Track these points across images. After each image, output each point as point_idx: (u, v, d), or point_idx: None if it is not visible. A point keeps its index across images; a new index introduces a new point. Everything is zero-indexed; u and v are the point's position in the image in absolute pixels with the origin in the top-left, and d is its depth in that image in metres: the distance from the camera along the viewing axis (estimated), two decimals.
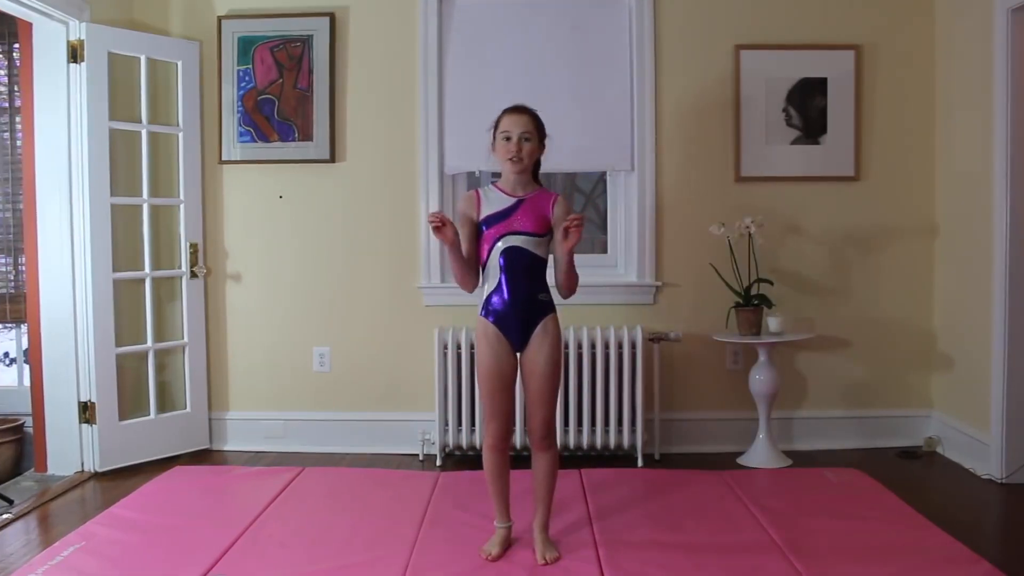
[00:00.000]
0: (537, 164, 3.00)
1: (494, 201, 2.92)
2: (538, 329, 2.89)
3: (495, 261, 2.89)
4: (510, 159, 2.88)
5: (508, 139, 2.89)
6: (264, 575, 2.82)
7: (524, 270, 2.88)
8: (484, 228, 2.91)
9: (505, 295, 2.88)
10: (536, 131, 2.92)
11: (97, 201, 3.98)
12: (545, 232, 2.90)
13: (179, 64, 4.25)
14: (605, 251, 4.49)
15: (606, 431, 4.14)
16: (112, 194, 4.04)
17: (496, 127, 2.94)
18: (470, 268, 2.93)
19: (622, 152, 4.30)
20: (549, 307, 2.93)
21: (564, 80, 4.30)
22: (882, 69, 4.30)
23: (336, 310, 4.40)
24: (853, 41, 4.28)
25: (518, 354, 2.94)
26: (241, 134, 4.34)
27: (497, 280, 2.89)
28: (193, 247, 4.32)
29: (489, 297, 2.91)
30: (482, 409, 3.17)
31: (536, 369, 2.89)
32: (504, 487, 2.99)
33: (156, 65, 4.22)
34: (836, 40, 4.28)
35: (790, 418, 4.36)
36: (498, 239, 2.88)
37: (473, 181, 4.45)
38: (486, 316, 2.92)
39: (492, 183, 3.02)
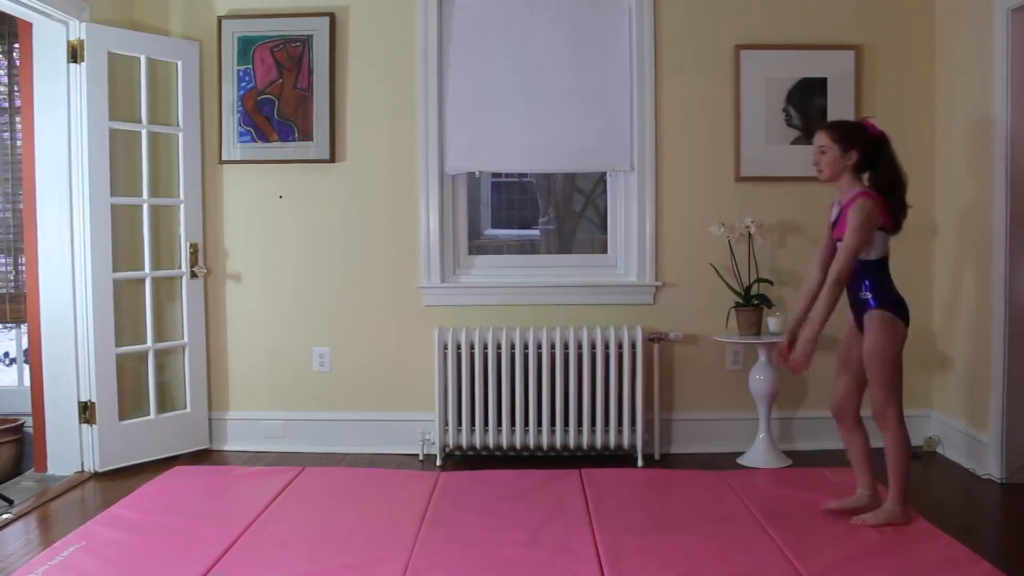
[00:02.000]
0: (862, 168, 3.16)
1: (836, 211, 3.22)
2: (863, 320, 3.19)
3: None
4: (817, 171, 3.19)
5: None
6: (264, 575, 2.82)
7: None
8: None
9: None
10: (833, 141, 3.12)
11: (97, 201, 3.98)
12: (840, 237, 3.14)
13: (179, 64, 4.24)
14: (605, 251, 4.49)
15: (606, 431, 4.14)
16: (112, 194, 4.04)
17: None
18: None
19: (622, 152, 4.30)
20: (869, 304, 3.16)
21: (564, 80, 4.29)
22: (882, 69, 4.30)
23: (336, 310, 4.40)
24: (853, 41, 4.28)
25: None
26: (241, 134, 4.34)
27: None
28: (193, 247, 4.32)
29: None
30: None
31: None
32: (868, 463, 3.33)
33: (156, 65, 4.22)
34: (836, 40, 4.28)
35: (790, 418, 4.36)
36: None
37: (473, 181, 4.46)
38: None
39: None
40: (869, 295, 3.15)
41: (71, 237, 3.97)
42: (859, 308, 3.19)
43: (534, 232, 4.85)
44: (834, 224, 3.21)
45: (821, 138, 3.16)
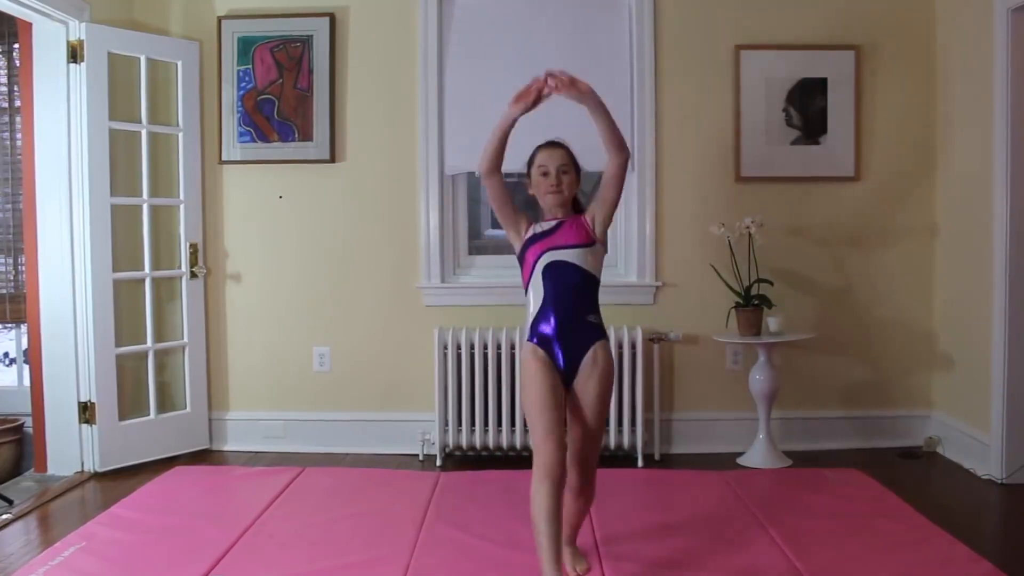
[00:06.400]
0: (576, 199, 2.87)
1: (542, 225, 2.80)
2: (587, 357, 2.65)
3: (538, 282, 2.70)
4: (551, 192, 2.77)
5: (546, 174, 2.79)
6: (264, 575, 2.82)
7: (570, 288, 2.68)
8: (529, 246, 2.76)
9: (551, 320, 2.66)
10: (572, 163, 2.83)
11: (97, 201, 3.98)
12: (589, 241, 2.73)
13: (179, 64, 4.25)
14: (605, 251, 4.48)
15: (606, 431, 4.14)
16: (112, 194, 4.04)
17: (531, 164, 2.84)
18: (501, 151, 2.82)
19: None
20: (599, 332, 2.69)
21: None
22: (882, 69, 4.30)
23: (336, 310, 4.40)
24: (853, 41, 4.28)
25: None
26: (241, 134, 4.34)
27: (541, 302, 2.69)
28: (193, 247, 4.32)
29: (535, 324, 2.70)
30: (531, 435, 2.67)
31: (583, 403, 2.65)
32: (558, 530, 2.50)
33: (156, 65, 4.22)
34: (836, 40, 4.28)
35: (790, 418, 4.36)
36: (539, 257, 2.71)
37: (473, 181, 4.45)
38: (535, 341, 2.70)
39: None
40: (598, 320, 2.71)
41: (71, 237, 3.97)
42: (585, 336, 2.67)
43: None
44: (548, 233, 2.76)
45: (564, 156, 2.83)
